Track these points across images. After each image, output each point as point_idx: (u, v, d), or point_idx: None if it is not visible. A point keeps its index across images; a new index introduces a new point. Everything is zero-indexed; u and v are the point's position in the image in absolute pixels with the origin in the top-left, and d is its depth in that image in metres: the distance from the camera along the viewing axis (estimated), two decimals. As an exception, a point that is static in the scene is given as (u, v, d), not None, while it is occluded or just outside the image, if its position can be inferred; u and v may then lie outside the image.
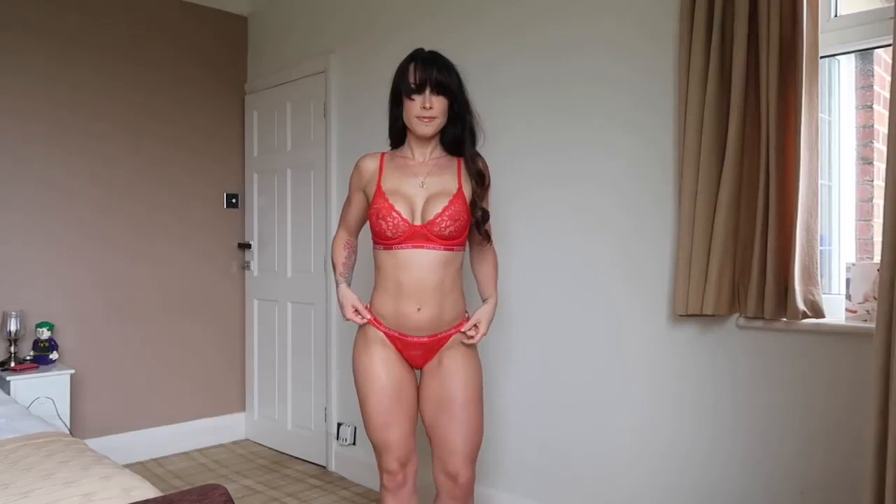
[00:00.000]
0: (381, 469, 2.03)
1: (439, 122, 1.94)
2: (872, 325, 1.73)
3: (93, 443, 3.09)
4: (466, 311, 2.05)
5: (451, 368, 1.98)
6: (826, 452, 1.92)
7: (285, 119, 3.85)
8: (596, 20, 2.43)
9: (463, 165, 1.99)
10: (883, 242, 1.62)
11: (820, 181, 1.96)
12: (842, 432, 1.89)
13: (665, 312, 2.27)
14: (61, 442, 1.99)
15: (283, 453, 3.85)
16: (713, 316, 2.07)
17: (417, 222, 1.90)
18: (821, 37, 1.94)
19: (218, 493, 1.43)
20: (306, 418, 3.72)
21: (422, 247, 1.90)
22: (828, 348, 1.92)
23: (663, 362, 2.28)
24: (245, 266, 4.16)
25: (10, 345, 3.19)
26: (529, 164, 2.64)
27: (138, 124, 3.73)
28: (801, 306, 1.90)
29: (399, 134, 2.03)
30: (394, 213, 1.90)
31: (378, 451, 2.01)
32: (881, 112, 2.04)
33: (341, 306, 2.01)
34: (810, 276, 1.93)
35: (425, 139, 1.98)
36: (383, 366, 1.97)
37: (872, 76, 2.07)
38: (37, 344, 3.28)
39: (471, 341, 1.99)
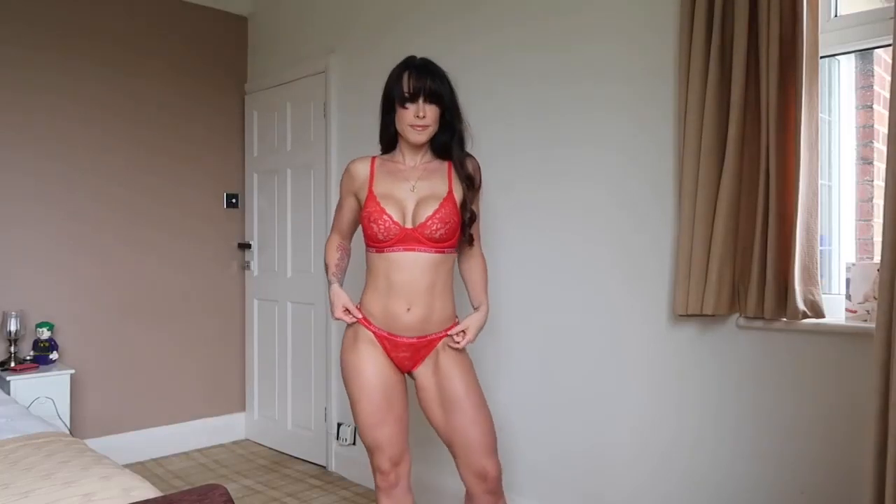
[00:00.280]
0: (374, 469, 2.05)
1: (432, 130, 1.97)
2: (872, 325, 1.74)
3: (93, 443, 3.10)
4: (456, 316, 2.06)
5: (448, 368, 1.99)
6: (826, 452, 1.92)
7: (285, 119, 3.85)
8: (595, 11, 2.43)
9: (453, 168, 2.01)
10: (883, 242, 1.62)
11: (820, 181, 1.96)
12: (842, 432, 1.88)
13: (665, 312, 2.27)
14: (61, 442, 1.99)
15: (283, 453, 3.85)
16: (713, 316, 2.07)
17: (409, 225, 1.93)
18: (821, 37, 1.94)
19: (218, 493, 1.43)
20: (306, 418, 3.72)
21: (413, 249, 1.92)
22: (828, 348, 1.92)
23: (663, 362, 2.28)
24: (245, 266, 4.16)
25: (10, 345, 3.19)
26: (529, 161, 2.64)
27: (138, 124, 3.73)
28: (801, 306, 1.90)
29: (391, 140, 2.05)
30: (385, 217, 1.92)
31: (370, 450, 2.03)
32: (881, 112, 2.04)
33: (332, 305, 2.03)
34: (810, 276, 1.93)
35: (417, 146, 2.00)
36: (372, 365, 1.98)
37: (872, 76, 2.07)
38: (37, 344, 3.28)
39: (456, 346, 2.00)
